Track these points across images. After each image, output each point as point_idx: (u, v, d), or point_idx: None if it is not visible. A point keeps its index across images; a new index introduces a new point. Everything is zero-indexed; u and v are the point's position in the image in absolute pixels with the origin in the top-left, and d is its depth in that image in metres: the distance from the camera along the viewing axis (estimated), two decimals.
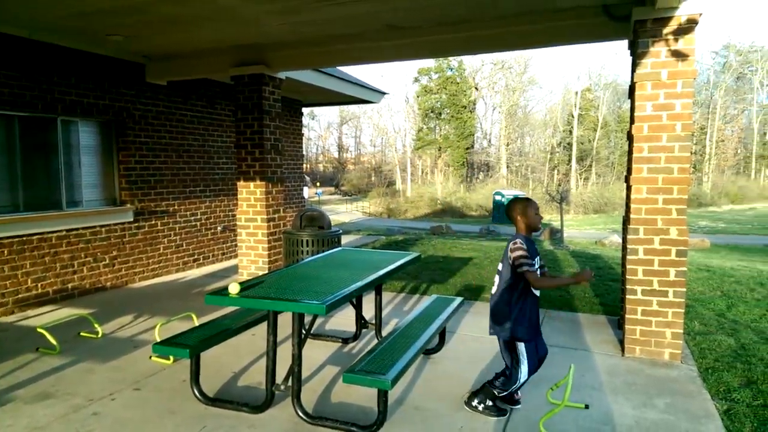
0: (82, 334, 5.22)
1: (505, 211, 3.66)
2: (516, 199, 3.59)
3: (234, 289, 3.41)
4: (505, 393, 3.50)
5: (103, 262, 7.08)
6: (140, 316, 5.91)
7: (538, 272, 3.44)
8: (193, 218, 8.61)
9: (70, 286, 6.65)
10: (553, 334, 5.22)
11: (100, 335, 5.19)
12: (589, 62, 69.92)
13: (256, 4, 5.00)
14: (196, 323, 5.21)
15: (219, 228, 9.19)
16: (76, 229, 6.69)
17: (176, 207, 8.26)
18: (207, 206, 8.91)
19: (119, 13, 5.29)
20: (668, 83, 4.37)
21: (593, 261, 9.64)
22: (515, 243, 3.40)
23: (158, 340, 4.45)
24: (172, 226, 8.19)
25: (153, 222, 7.84)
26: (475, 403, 3.58)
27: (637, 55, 4.45)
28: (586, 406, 3.63)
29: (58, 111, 6.46)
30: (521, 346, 3.43)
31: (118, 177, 7.38)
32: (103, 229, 7.06)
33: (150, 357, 4.59)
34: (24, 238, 6.07)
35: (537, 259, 3.45)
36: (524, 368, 3.43)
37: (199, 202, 8.74)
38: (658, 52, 4.37)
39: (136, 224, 7.56)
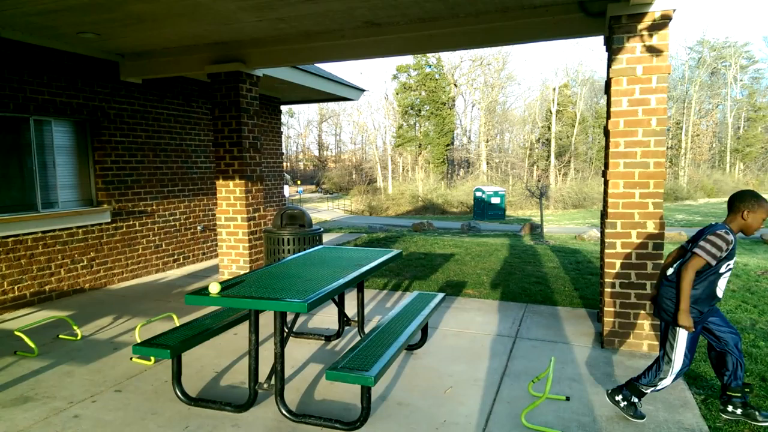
0: (60, 336, 5.13)
1: (733, 197, 3.19)
2: (754, 194, 3.14)
3: (214, 288, 3.39)
4: (652, 388, 3.32)
5: (81, 264, 6.96)
6: (120, 317, 5.83)
7: (715, 278, 3.15)
8: (172, 218, 8.51)
9: (47, 288, 6.52)
10: (534, 328, 5.29)
11: (79, 337, 5.11)
12: (567, 58, 70.79)
13: (231, 0, 4.95)
14: (177, 323, 5.16)
15: (199, 228, 9.10)
16: (53, 231, 6.57)
17: (154, 207, 8.16)
18: (186, 206, 8.81)
19: (87, 11, 5.19)
20: (643, 78, 4.45)
21: (573, 255, 9.77)
22: (724, 234, 3.04)
23: (139, 341, 4.40)
24: (150, 227, 8.08)
25: (131, 222, 7.73)
26: (618, 398, 3.44)
27: (612, 50, 4.52)
28: (567, 398, 3.69)
29: (30, 110, 6.33)
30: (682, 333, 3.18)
31: (94, 177, 7.26)
32: (80, 231, 6.94)
33: (131, 358, 4.54)
34: None
35: (726, 264, 3.13)
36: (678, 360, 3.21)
37: (178, 202, 8.64)
38: (633, 47, 4.45)
39: (114, 225, 7.44)
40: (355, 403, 3.62)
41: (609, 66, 4.63)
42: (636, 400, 3.39)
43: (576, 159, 49.18)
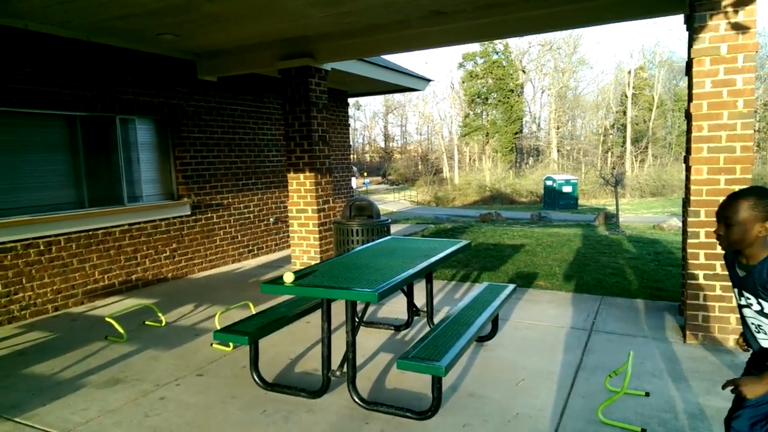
0: (146, 323, 5.48)
1: (724, 210, 2.00)
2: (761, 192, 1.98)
3: (288, 278, 3.49)
4: None
5: (164, 254, 7.39)
6: (200, 305, 6.15)
7: None
8: (246, 210, 8.85)
9: (133, 277, 6.98)
10: (611, 321, 5.09)
11: (163, 324, 5.44)
12: (643, 39, 67.04)
13: None
14: (254, 311, 5.38)
15: (271, 219, 9.41)
16: (138, 223, 7.01)
17: (230, 200, 8.51)
18: (259, 198, 9.13)
19: (166, 13, 5.47)
20: (728, 58, 4.14)
21: (651, 246, 9.30)
22: None
23: (218, 327, 4.62)
24: (227, 219, 8.45)
25: (209, 215, 8.11)
26: None
27: (694, 29, 4.24)
28: (647, 394, 3.53)
29: (116, 110, 6.76)
30: None
31: (174, 172, 7.66)
32: (163, 223, 7.36)
33: (211, 344, 4.78)
34: (90, 233, 6.42)
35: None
36: None
37: (252, 195, 8.97)
38: (717, 25, 4.15)
39: (194, 217, 7.84)
40: (426, 392, 3.63)
41: (690, 46, 4.34)
42: None
43: (654, 144, 46.60)
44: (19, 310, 5.72)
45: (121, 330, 5.04)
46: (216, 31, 6.30)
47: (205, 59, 7.68)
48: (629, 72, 47.25)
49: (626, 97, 46.94)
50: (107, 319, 5.25)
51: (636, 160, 46.40)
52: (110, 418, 3.49)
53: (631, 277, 6.79)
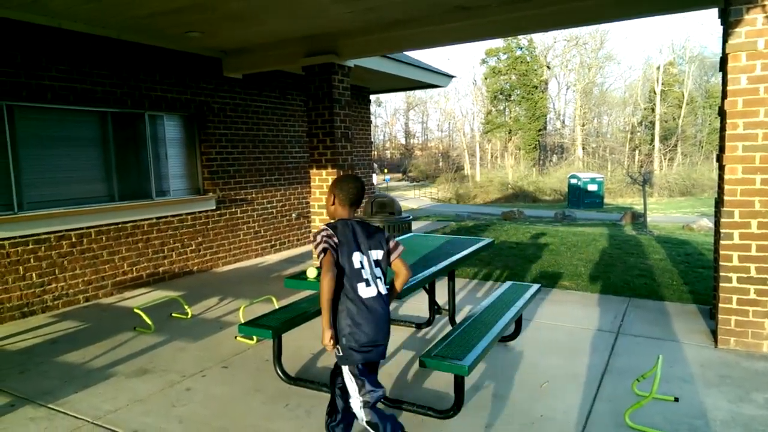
0: (173, 314, 5.57)
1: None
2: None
3: (311, 273, 3.51)
4: None
5: (190, 248, 7.50)
6: (224, 298, 6.23)
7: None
8: (269, 206, 8.93)
9: (161, 270, 7.10)
10: (639, 324, 5.00)
11: (189, 316, 5.52)
12: (672, 34, 65.59)
13: None
14: (276, 306, 5.42)
15: (293, 215, 9.47)
16: (165, 217, 7.12)
17: (254, 195, 8.59)
18: (282, 194, 9.20)
19: (191, 11, 5.53)
20: (765, 53, 4.02)
21: (681, 246, 9.11)
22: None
23: (242, 321, 4.67)
24: (250, 214, 8.53)
25: (233, 210, 8.20)
26: None
27: (729, 24, 4.12)
28: (676, 399, 3.46)
29: (145, 106, 6.87)
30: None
31: (200, 167, 7.76)
32: (189, 217, 7.47)
33: (235, 337, 4.84)
34: (119, 226, 6.54)
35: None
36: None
37: (275, 190, 9.04)
38: (754, 19, 4.02)
39: (218, 212, 7.94)
40: (448, 391, 3.62)
41: (725, 41, 4.22)
42: None
43: (683, 142, 45.60)
44: (52, 300, 5.86)
45: (148, 321, 5.14)
46: (241, 29, 6.35)
47: (230, 56, 7.75)
48: (658, 68, 46.30)
49: (655, 93, 46.01)
50: (135, 311, 5.35)
51: (665, 159, 45.49)
52: (139, 407, 3.56)
53: (660, 278, 6.66)
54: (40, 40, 5.71)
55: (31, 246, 5.67)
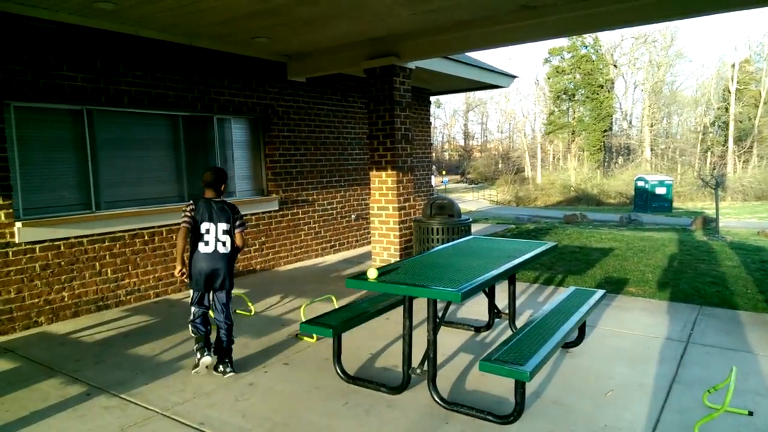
0: (237, 311, 5.78)
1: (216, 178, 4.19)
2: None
3: (372, 274, 3.56)
4: None
5: (254, 247, 7.76)
6: (286, 296, 6.40)
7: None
8: (329, 207, 9.09)
9: None
10: (709, 333, 4.75)
11: (252, 313, 5.71)
12: (749, 30, 61.61)
13: None
14: (336, 305, 5.52)
15: (353, 216, 9.60)
16: None
17: (315, 196, 8.78)
18: (342, 195, 9.35)
19: (261, 17, 5.72)
20: None
21: (756, 253, 8.56)
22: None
23: (303, 319, 4.79)
24: (311, 215, 8.72)
25: (295, 210, 8.41)
26: None
27: None
28: (750, 413, 3.26)
29: (214, 110, 7.17)
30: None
31: (264, 169, 8.01)
32: (254, 217, 7.73)
33: (296, 335, 4.97)
34: None
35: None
36: None
37: (335, 192, 9.20)
38: None
39: (281, 213, 8.16)
40: (507, 397, 3.57)
41: None
42: None
43: (760, 144, 42.71)
44: (125, 294, 6.22)
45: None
46: (305, 33, 6.51)
47: (294, 60, 7.96)
48: (733, 65, 43.64)
49: (729, 92, 43.40)
50: None
51: (739, 161, 42.81)
52: (204, 400, 3.72)
53: (734, 286, 6.29)
54: (118, 47, 6.08)
55: (107, 243, 6.04)
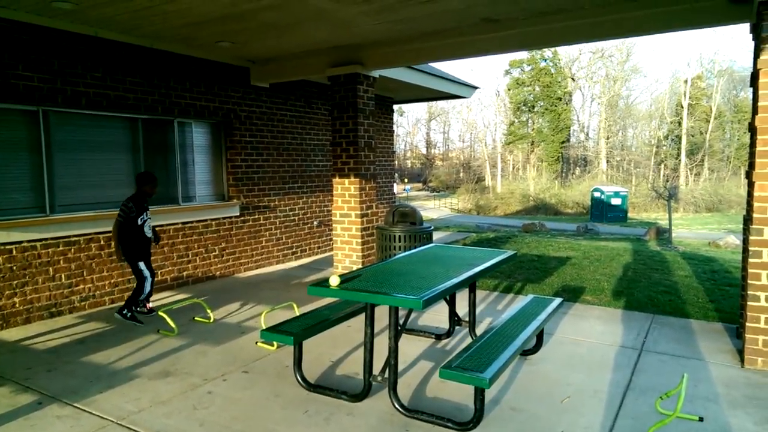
0: (196, 318, 5.66)
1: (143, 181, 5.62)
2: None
3: (334, 281, 3.54)
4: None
5: (213, 253, 7.61)
6: (246, 303, 6.30)
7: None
8: (291, 213, 9.02)
9: (185, 274, 7.22)
10: (662, 341, 4.92)
11: (211, 320, 5.60)
12: (701, 47, 64.60)
13: (353, 5, 5.13)
14: (297, 313, 5.47)
15: (315, 222, 9.54)
16: (191, 222, 7.25)
17: (276, 202, 8.69)
18: (304, 202, 9.29)
19: (225, 21, 5.65)
20: None
21: (707, 263, 8.94)
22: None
23: (263, 326, 4.72)
24: (273, 220, 8.63)
25: (256, 216, 8.30)
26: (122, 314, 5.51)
27: (761, 39, 4.07)
28: (701, 419, 3.39)
29: (175, 114, 7.02)
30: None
31: (226, 174, 7.89)
32: (214, 223, 7.59)
33: (256, 342, 4.89)
34: None
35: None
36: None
37: (297, 198, 9.13)
38: None
39: (242, 218, 8.04)
40: (467, 403, 3.61)
41: (756, 56, 4.17)
42: None
43: (710, 157, 44.75)
44: (79, 300, 6.00)
45: (172, 324, 5.22)
46: (270, 39, 6.46)
47: (258, 65, 7.89)
48: (686, 81, 45.63)
49: (682, 107, 45.33)
50: (159, 314, 5.44)
51: (691, 173, 44.70)
52: (161, 408, 3.62)
53: (685, 295, 6.55)
54: (76, 47, 5.90)
55: (61, 248, 5.82)
